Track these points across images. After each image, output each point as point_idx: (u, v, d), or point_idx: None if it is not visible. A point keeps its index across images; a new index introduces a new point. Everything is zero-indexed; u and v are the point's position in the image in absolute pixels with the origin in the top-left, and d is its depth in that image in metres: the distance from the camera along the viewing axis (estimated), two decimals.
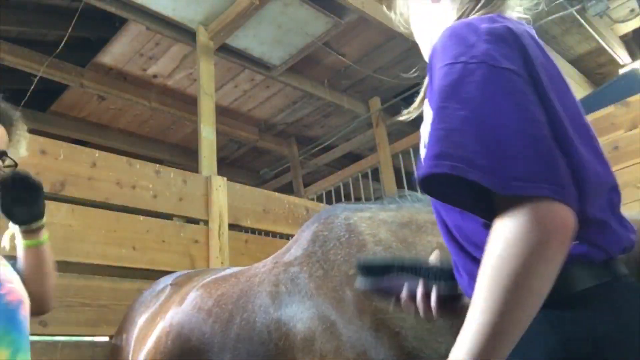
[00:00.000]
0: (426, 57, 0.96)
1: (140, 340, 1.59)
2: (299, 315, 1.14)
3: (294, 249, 1.34)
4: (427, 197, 1.09)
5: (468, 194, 0.72)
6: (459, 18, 0.95)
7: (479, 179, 0.67)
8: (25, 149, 1.45)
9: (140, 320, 1.70)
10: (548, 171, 0.67)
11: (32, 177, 1.31)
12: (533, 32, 0.89)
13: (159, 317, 1.58)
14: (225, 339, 1.25)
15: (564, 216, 0.66)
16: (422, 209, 1.27)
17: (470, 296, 0.81)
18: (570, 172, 0.70)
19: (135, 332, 1.68)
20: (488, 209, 0.71)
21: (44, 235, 1.37)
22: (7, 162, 1.32)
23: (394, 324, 1.03)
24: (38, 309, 1.42)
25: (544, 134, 0.70)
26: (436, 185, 0.74)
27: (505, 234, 0.66)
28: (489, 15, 0.88)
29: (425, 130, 0.86)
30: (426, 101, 0.87)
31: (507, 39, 0.78)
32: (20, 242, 1.36)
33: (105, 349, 2.09)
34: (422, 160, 0.74)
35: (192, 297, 1.50)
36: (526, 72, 0.76)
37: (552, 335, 0.69)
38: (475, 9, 0.94)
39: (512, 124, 0.69)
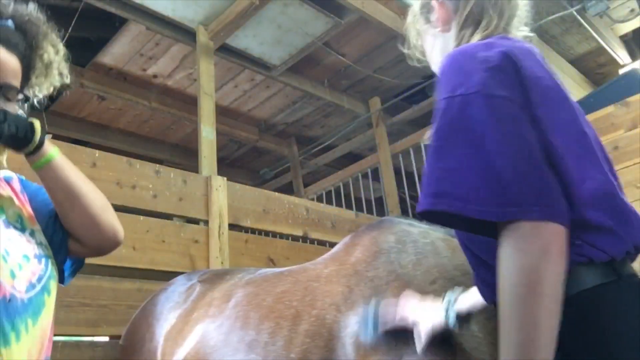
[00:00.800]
0: None
1: (174, 338, 1.60)
2: None
3: (360, 253, 1.38)
4: None
5: (471, 220, 0.78)
6: (458, 45, 1.00)
7: (475, 215, 0.75)
8: (63, 76, 1.19)
9: (171, 316, 1.70)
10: (537, 194, 0.74)
11: None
12: (534, 49, 0.93)
13: (196, 313, 1.60)
14: (293, 333, 1.30)
15: (554, 231, 0.73)
16: None
17: (489, 302, 0.91)
18: (559, 186, 0.77)
19: (165, 329, 1.67)
20: (490, 228, 0.77)
21: (50, 151, 1.10)
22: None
23: (467, 342, 1.08)
24: (98, 242, 1.16)
25: (535, 156, 0.76)
26: (437, 217, 0.81)
27: (508, 256, 0.73)
28: (486, 41, 0.91)
29: None
30: None
31: (501, 65, 0.83)
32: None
33: (105, 349, 2.09)
34: (420, 195, 0.81)
35: (242, 294, 1.54)
36: (521, 94, 0.81)
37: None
38: (473, 35, 0.98)
39: (507, 151, 0.75)
